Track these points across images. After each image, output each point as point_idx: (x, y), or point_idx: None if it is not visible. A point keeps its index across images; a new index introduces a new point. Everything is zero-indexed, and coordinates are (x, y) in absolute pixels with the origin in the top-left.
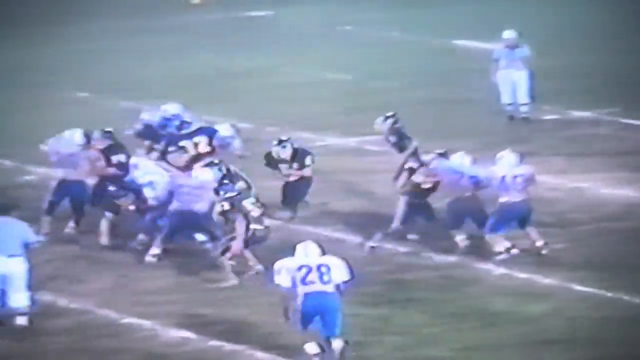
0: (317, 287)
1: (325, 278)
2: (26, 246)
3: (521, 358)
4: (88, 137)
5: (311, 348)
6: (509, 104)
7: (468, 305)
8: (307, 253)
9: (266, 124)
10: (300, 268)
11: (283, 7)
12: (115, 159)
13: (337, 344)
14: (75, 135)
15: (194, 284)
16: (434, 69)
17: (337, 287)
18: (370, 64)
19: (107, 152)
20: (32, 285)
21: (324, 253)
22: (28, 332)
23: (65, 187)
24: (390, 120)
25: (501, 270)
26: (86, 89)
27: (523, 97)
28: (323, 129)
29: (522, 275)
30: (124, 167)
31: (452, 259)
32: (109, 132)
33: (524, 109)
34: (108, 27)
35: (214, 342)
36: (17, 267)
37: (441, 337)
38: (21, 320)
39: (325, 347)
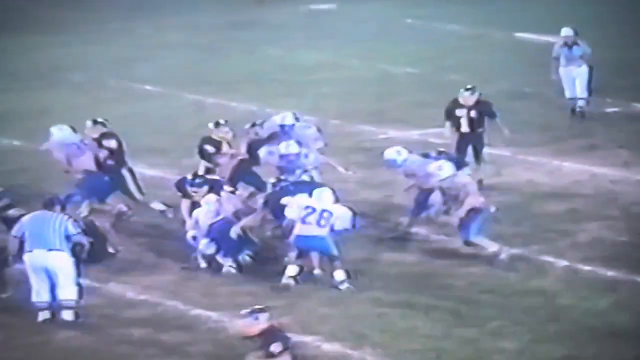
0: (311, 229)
1: (322, 222)
2: (68, 239)
3: (587, 351)
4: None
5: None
6: (571, 99)
7: (533, 299)
8: (320, 197)
9: (331, 118)
10: (306, 207)
11: (346, 1)
12: (106, 143)
13: (338, 274)
14: (65, 131)
15: (260, 276)
16: (496, 62)
17: (332, 229)
18: (432, 57)
19: (100, 140)
20: (98, 278)
21: (337, 201)
22: (99, 324)
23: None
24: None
25: (565, 263)
26: (156, 83)
27: (582, 91)
28: (386, 122)
29: (587, 268)
30: (116, 153)
31: (516, 251)
32: (102, 121)
33: (581, 103)
34: (177, 22)
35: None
36: (58, 261)
37: (508, 330)
38: (67, 315)
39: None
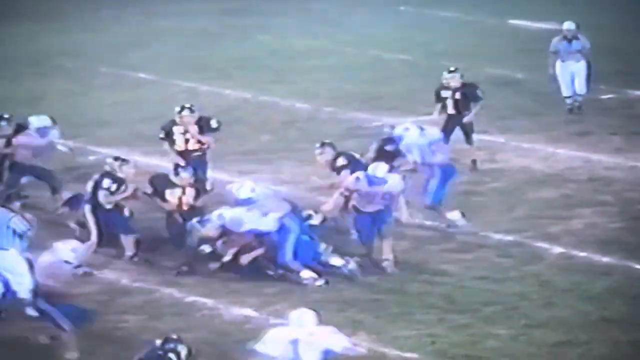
0: None
1: None
2: (20, 237)
3: (581, 337)
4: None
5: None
6: (568, 97)
7: (528, 284)
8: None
9: (324, 105)
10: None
11: None
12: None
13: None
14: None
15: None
16: (489, 48)
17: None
18: (425, 43)
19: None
20: (94, 264)
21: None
22: (96, 310)
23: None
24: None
25: (560, 249)
26: (148, 70)
27: (580, 87)
28: (379, 109)
29: (582, 254)
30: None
31: (510, 237)
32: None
33: (579, 99)
34: (168, 9)
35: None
36: (7, 260)
37: (502, 315)
38: (30, 311)
39: None
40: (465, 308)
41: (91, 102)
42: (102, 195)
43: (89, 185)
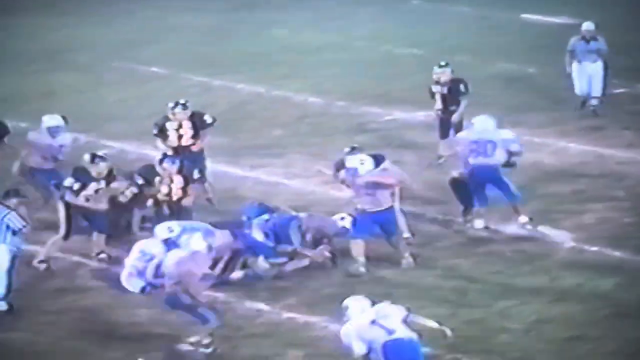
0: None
1: None
2: (14, 233)
3: (592, 332)
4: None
5: None
6: (582, 96)
7: (539, 279)
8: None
9: (336, 99)
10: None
11: None
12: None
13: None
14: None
15: None
16: (501, 43)
17: None
18: (437, 38)
19: None
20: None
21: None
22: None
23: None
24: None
25: (571, 244)
26: (161, 65)
27: (596, 89)
28: (391, 104)
29: (593, 249)
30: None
31: (522, 232)
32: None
33: (594, 102)
34: (180, 4)
35: (289, 314)
36: None
37: (513, 310)
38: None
39: None
40: (478, 303)
41: (103, 96)
42: (66, 195)
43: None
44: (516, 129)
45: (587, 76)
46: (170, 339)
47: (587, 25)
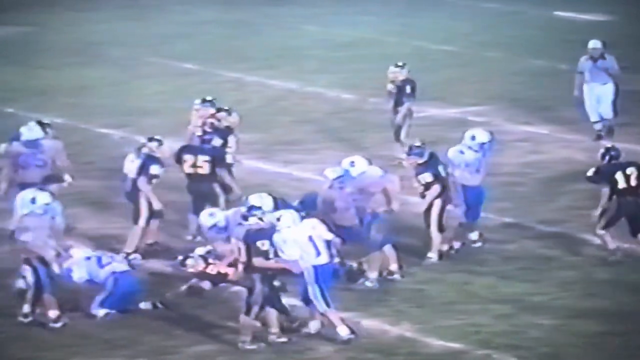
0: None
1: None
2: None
3: (620, 328)
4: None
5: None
6: (596, 122)
7: (569, 275)
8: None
9: (369, 95)
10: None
11: None
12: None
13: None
14: (35, 131)
15: None
16: (533, 39)
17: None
18: (469, 34)
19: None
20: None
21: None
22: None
23: None
24: (406, 69)
25: (599, 242)
26: (194, 60)
27: (606, 111)
28: (423, 100)
29: (624, 246)
30: None
31: (552, 228)
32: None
33: (606, 123)
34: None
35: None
36: None
37: (544, 305)
38: None
39: None
40: (508, 298)
41: (136, 91)
42: (146, 180)
43: (133, 167)
44: (547, 126)
45: (596, 98)
46: None
47: (594, 44)
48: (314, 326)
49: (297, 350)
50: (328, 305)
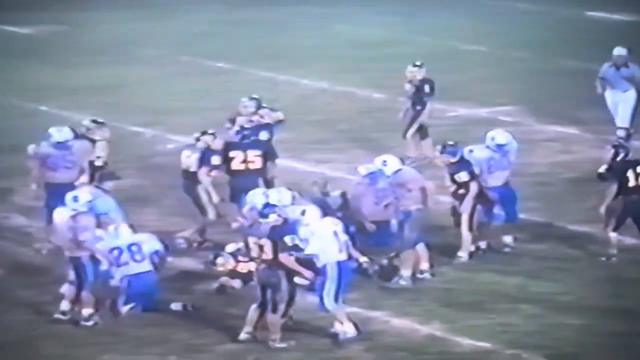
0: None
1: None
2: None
3: None
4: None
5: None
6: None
7: (598, 275)
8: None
9: (399, 94)
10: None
11: None
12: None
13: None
14: (65, 133)
15: None
16: (564, 39)
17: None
18: (500, 33)
19: None
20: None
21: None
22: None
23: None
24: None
25: (631, 241)
26: (226, 59)
27: (624, 119)
28: (455, 100)
29: None
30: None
31: (583, 229)
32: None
33: (620, 132)
34: None
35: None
36: None
37: (573, 305)
38: None
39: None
40: (537, 298)
41: (168, 90)
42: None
43: (191, 161)
44: (578, 126)
45: (615, 105)
46: None
47: (618, 51)
48: (348, 328)
49: (327, 349)
50: (337, 302)
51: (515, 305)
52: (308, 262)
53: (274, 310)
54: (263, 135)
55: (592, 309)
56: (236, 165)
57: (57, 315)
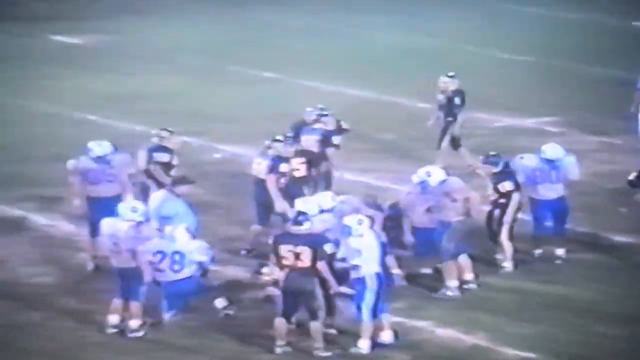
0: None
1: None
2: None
3: None
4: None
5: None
6: None
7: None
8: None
9: None
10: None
11: None
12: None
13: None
14: (105, 147)
15: None
16: (610, 49)
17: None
18: (545, 44)
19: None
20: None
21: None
22: None
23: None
24: (457, 79)
25: None
26: (273, 69)
27: None
28: (501, 110)
29: None
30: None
31: (629, 239)
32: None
33: None
34: (295, 7)
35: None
36: None
37: (618, 315)
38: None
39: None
40: (582, 307)
41: (216, 99)
42: (274, 178)
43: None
44: (622, 135)
45: None
46: None
47: None
48: (386, 336)
49: (372, 359)
50: (375, 314)
51: (560, 315)
52: (342, 272)
53: (314, 317)
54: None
55: (637, 319)
56: (253, 171)
57: (110, 330)
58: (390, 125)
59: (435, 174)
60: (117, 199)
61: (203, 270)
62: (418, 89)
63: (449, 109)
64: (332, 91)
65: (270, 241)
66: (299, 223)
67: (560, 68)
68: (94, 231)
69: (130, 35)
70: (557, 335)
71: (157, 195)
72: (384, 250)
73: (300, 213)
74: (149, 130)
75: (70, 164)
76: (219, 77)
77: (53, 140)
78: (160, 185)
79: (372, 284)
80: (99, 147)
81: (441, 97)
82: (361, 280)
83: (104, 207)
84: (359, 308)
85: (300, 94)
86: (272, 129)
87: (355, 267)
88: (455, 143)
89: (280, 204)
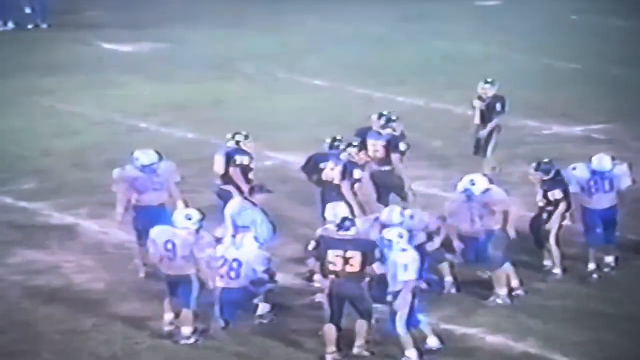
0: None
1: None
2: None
3: None
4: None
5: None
6: None
7: None
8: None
9: None
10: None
11: None
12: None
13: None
14: (151, 156)
15: None
16: None
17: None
18: (597, 52)
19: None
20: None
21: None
22: None
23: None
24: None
25: None
26: (325, 76)
27: None
28: (550, 117)
29: None
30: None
31: None
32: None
33: None
34: (347, 15)
35: (447, 326)
36: None
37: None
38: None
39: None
40: (634, 315)
41: (269, 107)
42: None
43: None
44: None
45: None
46: None
47: None
48: (432, 342)
49: None
50: (408, 326)
51: (611, 322)
52: (381, 279)
53: (367, 318)
54: (402, 147)
55: None
56: (326, 176)
57: (167, 328)
58: (440, 133)
59: (479, 182)
60: (163, 207)
61: (258, 280)
62: (468, 97)
63: (488, 115)
64: (382, 99)
65: (312, 247)
66: (346, 229)
67: (611, 76)
68: (141, 239)
69: (183, 43)
70: (608, 342)
71: (233, 204)
72: (429, 261)
73: (346, 219)
74: (201, 138)
75: (116, 173)
76: (270, 85)
77: (106, 148)
78: (240, 190)
79: (408, 298)
80: (145, 156)
81: (479, 103)
82: (397, 294)
83: (151, 215)
84: (393, 321)
85: (350, 102)
86: (322, 136)
87: (394, 280)
88: (479, 147)
89: (357, 209)
